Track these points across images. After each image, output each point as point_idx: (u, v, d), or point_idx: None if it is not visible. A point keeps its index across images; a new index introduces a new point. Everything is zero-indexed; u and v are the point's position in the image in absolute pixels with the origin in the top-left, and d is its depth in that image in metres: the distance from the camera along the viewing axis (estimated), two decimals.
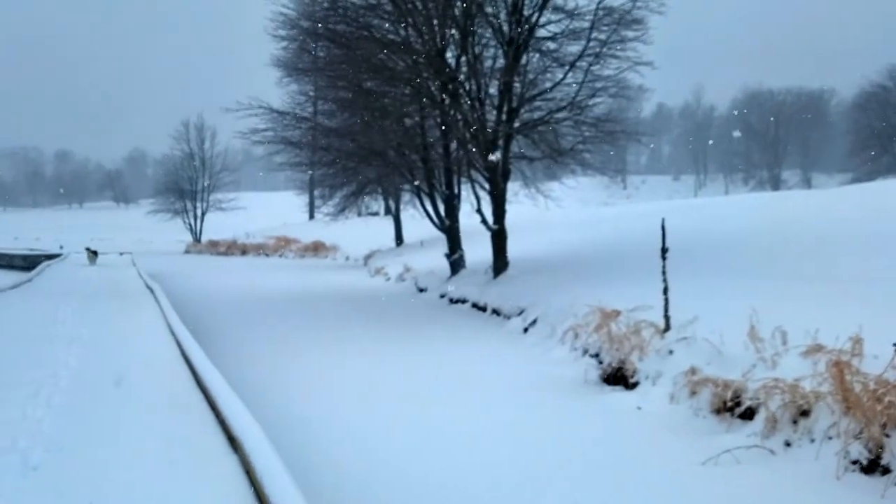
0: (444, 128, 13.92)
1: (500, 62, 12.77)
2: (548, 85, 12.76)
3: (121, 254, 36.22)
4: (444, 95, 13.01)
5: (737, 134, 76.44)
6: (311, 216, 46.10)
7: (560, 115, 12.68)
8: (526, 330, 9.89)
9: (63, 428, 5.43)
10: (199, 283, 20.59)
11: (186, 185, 49.07)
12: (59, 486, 4.25)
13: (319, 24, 13.44)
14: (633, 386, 6.43)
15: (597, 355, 7.39)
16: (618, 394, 6.42)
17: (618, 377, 6.68)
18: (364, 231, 32.93)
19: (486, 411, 6.19)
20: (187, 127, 49.37)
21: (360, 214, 30.15)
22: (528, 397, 6.62)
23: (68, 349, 8.87)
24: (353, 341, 10.16)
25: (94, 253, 30.00)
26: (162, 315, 11.74)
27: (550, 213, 15.04)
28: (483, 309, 12.08)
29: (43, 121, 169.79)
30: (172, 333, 9.72)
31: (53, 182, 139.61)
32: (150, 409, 6.07)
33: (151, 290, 15.60)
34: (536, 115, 13.02)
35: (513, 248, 13.36)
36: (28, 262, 30.18)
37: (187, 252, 42.93)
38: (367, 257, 26.84)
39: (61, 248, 41.12)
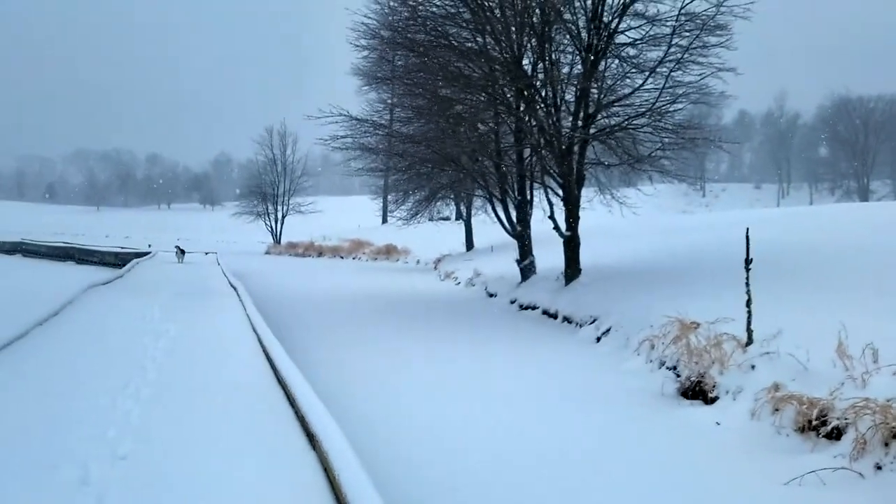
0: (518, 134, 13.93)
1: (578, 68, 12.67)
2: (626, 91, 12.54)
3: (206, 253, 38.13)
4: (519, 102, 13.02)
5: (823, 145, 72.38)
6: (385, 220, 46.95)
7: (639, 121, 12.44)
8: (599, 339, 9.73)
9: (150, 419, 5.66)
10: (278, 283, 21.35)
11: (269, 189, 51.06)
12: (147, 475, 4.43)
13: (399, 34, 13.74)
14: (713, 401, 6.24)
15: (674, 368, 7.20)
16: (696, 408, 6.25)
17: (696, 391, 6.50)
18: (435, 235, 33.31)
19: (557, 421, 6.12)
20: (271, 133, 51.45)
21: (431, 219, 30.48)
22: (600, 408, 6.51)
23: (156, 344, 9.25)
24: (422, 343, 10.27)
25: (182, 251, 32.61)
26: (245, 313, 12.24)
27: (625, 221, 14.77)
28: (554, 316, 11.99)
29: (136, 126, 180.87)
30: (254, 331, 10.12)
31: (144, 184, 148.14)
32: (232, 403, 6.28)
33: (235, 289, 16.26)
34: (614, 120, 12.82)
35: (585, 256, 13.20)
36: (119, 260, 31.95)
37: (267, 253, 44.59)
38: (438, 261, 27.11)
39: (149, 246, 43.58)
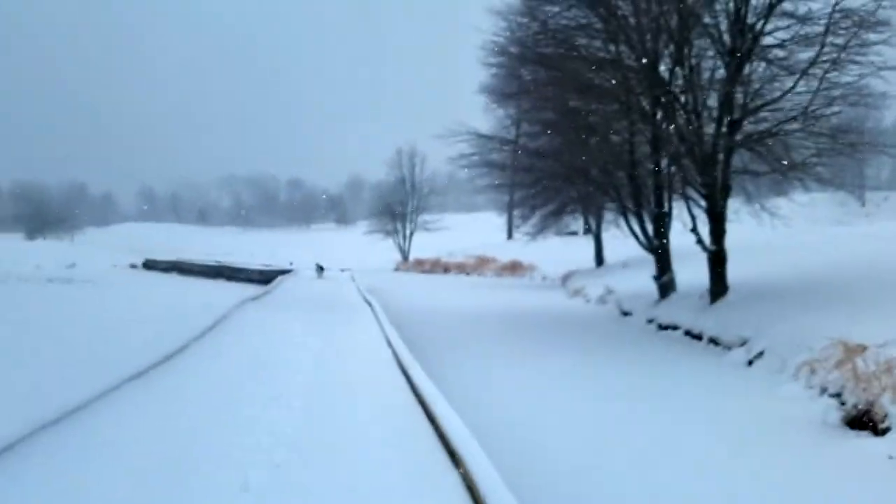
0: (655, 143, 13.32)
1: (720, 73, 11.91)
2: (776, 94, 11.60)
3: (342, 270, 40.06)
4: (656, 110, 12.46)
5: None
6: (510, 236, 46.88)
7: (790, 125, 11.46)
8: (750, 363, 9.02)
9: (299, 429, 5.89)
10: (407, 298, 21.85)
11: (398, 208, 52.92)
12: (300, 483, 4.58)
13: (528, 49, 13.67)
14: (884, 432, 5.60)
15: (838, 395, 6.55)
16: (864, 440, 5.63)
17: (864, 421, 5.87)
18: (562, 251, 32.64)
19: (704, 451, 5.69)
20: (400, 154, 53.42)
21: (558, 234, 29.93)
22: (756, 438, 5.98)
23: (301, 356, 9.71)
24: (551, 363, 10.02)
25: (321, 268, 34.90)
26: (380, 328, 12.58)
27: (777, 233, 13.62)
28: (698, 337, 11.23)
29: (278, 152, 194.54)
30: (390, 346, 10.35)
31: (286, 206, 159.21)
32: (373, 417, 6.42)
33: (370, 305, 16.83)
34: (762, 126, 11.90)
35: (733, 271, 12.28)
36: (264, 277, 34.24)
37: (396, 269, 46.00)
38: (565, 277, 26.50)
39: (291, 264, 46.39)
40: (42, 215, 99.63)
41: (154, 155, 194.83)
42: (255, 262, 51.59)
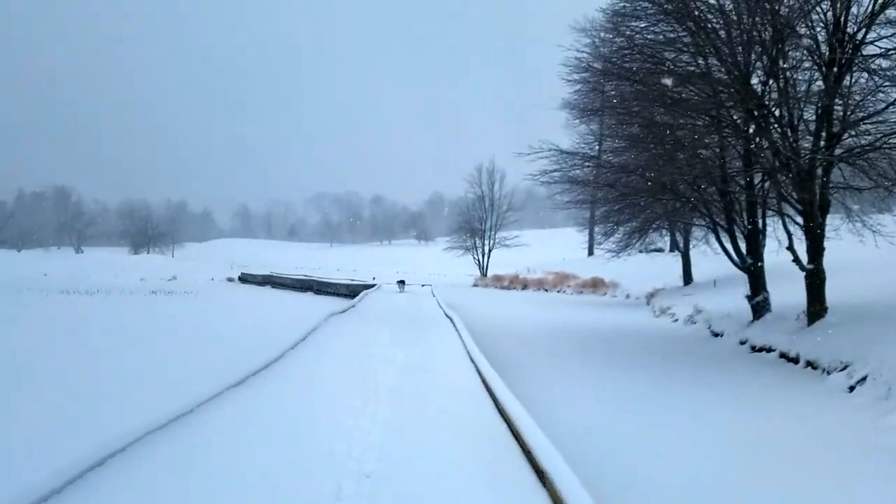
0: (747, 158, 12.90)
1: (818, 84, 11.42)
2: (879, 106, 11.00)
3: (422, 285, 40.70)
4: (748, 124, 12.08)
5: None
6: (591, 252, 46.16)
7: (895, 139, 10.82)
8: (851, 388, 8.55)
9: (388, 440, 6.02)
10: (486, 313, 21.96)
11: (476, 225, 53.29)
12: (391, 495, 4.65)
13: (612, 64, 13.60)
14: None
15: None
16: None
17: None
18: (646, 268, 31.85)
19: (801, 484, 5.41)
20: (480, 171, 53.85)
21: (642, 251, 29.25)
22: (858, 472, 5.66)
23: (386, 369, 9.91)
24: (635, 384, 9.83)
25: (403, 283, 35.93)
26: (461, 342, 12.74)
27: (880, 251, 12.77)
28: (794, 360, 10.73)
29: (364, 171, 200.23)
30: (472, 360, 10.47)
31: (369, 222, 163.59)
32: (458, 430, 6.48)
33: (451, 320, 17.05)
34: (864, 139, 11.29)
35: (832, 291, 11.65)
36: (350, 291, 35.31)
37: (475, 285, 46.21)
38: (650, 296, 25.85)
39: (374, 279, 47.56)
40: (146, 231, 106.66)
41: (250, 176, 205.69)
42: (341, 276, 53.27)
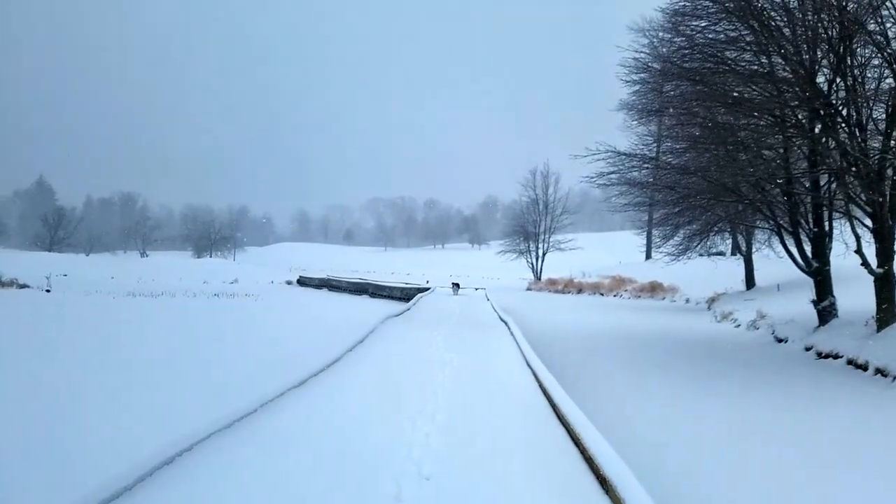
0: (813, 158, 12.47)
1: (888, 82, 10.97)
2: None
3: (476, 289, 40.79)
4: (814, 123, 11.69)
5: None
6: (648, 256, 45.26)
7: None
8: None
9: (446, 443, 6.03)
10: (541, 317, 21.85)
11: (530, 228, 53.02)
12: (450, 498, 4.68)
13: (672, 64, 13.37)
14: None
15: None
16: None
17: None
18: (707, 272, 31.00)
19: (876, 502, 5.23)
20: (534, 174, 53.56)
21: (703, 254, 28.58)
22: None
23: (443, 371, 9.99)
24: (700, 391, 9.63)
25: (457, 286, 36.14)
26: (517, 346, 12.73)
27: None
28: (863, 367, 10.30)
29: (417, 175, 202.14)
30: (528, 365, 10.46)
31: (422, 226, 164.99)
32: (516, 435, 6.45)
33: (506, 324, 17.05)
34: None
35: None
36: (404, 294, 35.75)
37: (528, 289, 45.97)
38: (711, 300, 25.20)
39: (427, 282, 47.97)
40: (208, 235, 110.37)
41: (308, 182, 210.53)
42: (395, 279, 53.89)
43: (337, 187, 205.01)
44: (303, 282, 53.80)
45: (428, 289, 36.25)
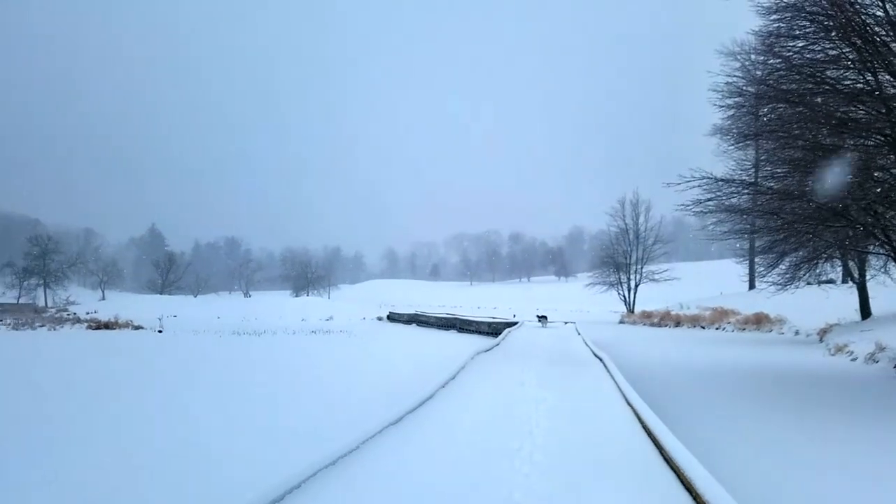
0: None
1: None
2: None
3: (565, 322, 39.99)
4: None
5: None
6: (752, 286, 42.91)
7: None
8: None
9: (548, 486, 5.92)
10: (638, 353, 21.08)
11: (621, 259, 51.63)
12: None
13: (769, 87, 12.86)
14: None
15: None
16: None
17: None
18: (816, 301, 28.98)
19: None
20: (623, 204, 52.31)
21: (811, 283, 26.79)
22: None
23: (537, 410, 9.79)
24: (820, 435, 8.93)
25: (544, 318, 35.85)
26: (614, 384, 12.31)
27: None
28: None
29: (500, 209, 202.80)
30: (628, 404, 10.07)
31: (507, 260, 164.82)
32: (622, 479, 6.21)
33: (600, 359, 16.55)
34: None
35: None
36: (492, 329, 35.54)
37: (621, 322, 44.59)
38: (823, 332, 23.50)
39: (514, 316, 47.52)
40: (305, 275, 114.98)
41: (396, 220, 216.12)
42: (482, 314, 53.82)
43: (422, 224, 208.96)
44: (393, 317, 54.73)
45: (516, 323, 35.90)
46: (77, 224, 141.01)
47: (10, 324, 35.58)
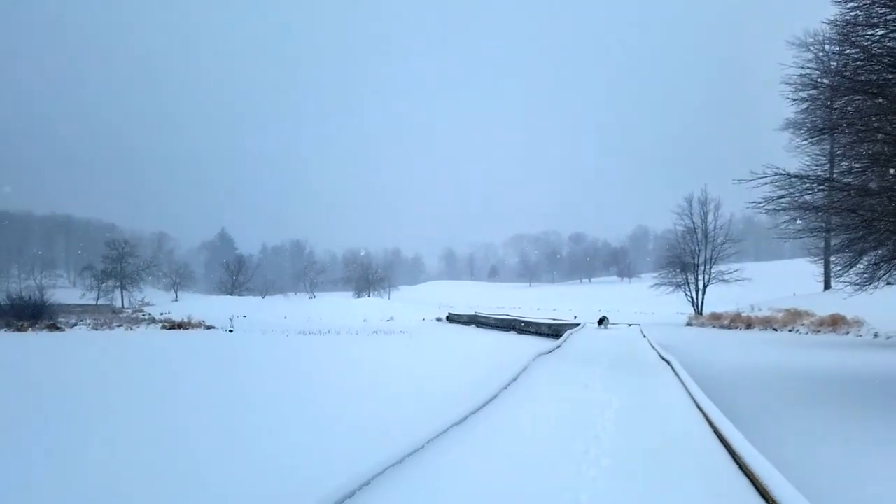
0: None
1: None
2: None
3: (629, 325, 39.22)
4: None
5: None
6: (827, 286, 40.94)
7: None
8: None
9: (616, 490, 5.82)
10: (706, 356, 20.43)
11: (688, 259, 50.12)
12: None
13: (845, 77, 12.24)
14: None
15: None
16: None
17: None
18: None
19: None
20: (690, 202, 50.73)
21: (891, 283, 25.31)
22: None
23: (602, 414, 9.62)
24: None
25: (605, 319, 35.30)
26: (684, 389, 11.96)
27: None
28: None
29: (560, 209, 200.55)
30: (699, 409, 9.77)
31: (567, 261, 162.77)
32: (694, 486, 6.03)
33: (668, 363, 16.13)
34: None
35: None
36: (552, 330, 35.12)
37: (689, 325, 43.30)
38: None
39: (575, 317, 46.89)
40: (366, 276, 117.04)
41: (454, 221, 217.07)
42: (541, 315, 53.34)
43: (481, 226, 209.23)
44: (452, 319, 54.94)
45: (578, 324, 35.40)
46: (151, 228, 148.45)
47: (90, 324, 37.62)
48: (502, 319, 46.21)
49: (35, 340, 26.98)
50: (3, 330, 31.54)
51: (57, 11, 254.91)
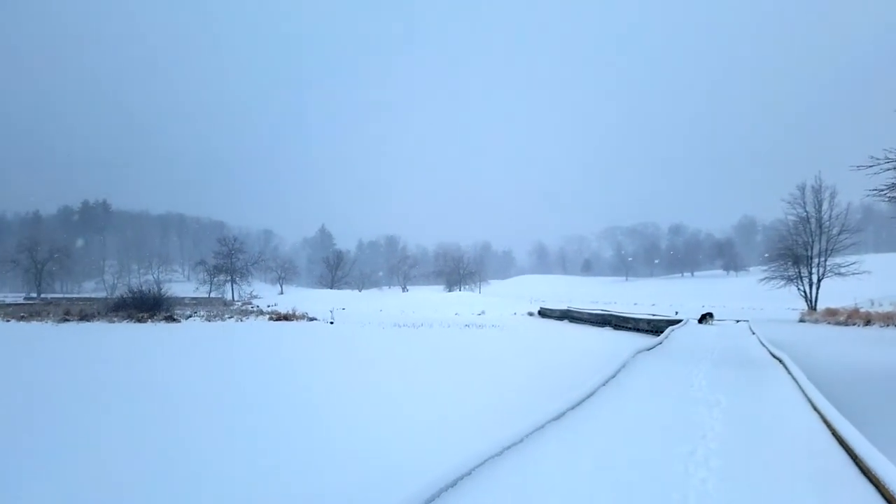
0: None
1: None
2: None
3: (736, 321, 37.23)
4: None
5: None
6: None
7: None
8: None
9: (728, 493, 5.61)
10: (823, 354, 19.03)
11: (801, 251, 46.87)
12: None
13: None
14: None
15: None
16: None
17: None
18: None
19: None
20: (803, 190, 47.31)
21: None
22: None
23: (710, 413, 9.23)
24: None
25: (710, 316, 34.36)
26: (798, 388, 11.22)
27: None
28: None
29: (659, 200, 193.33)
30: (815, 409, 9.13)
31: (667, 253, 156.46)
32: (813, 489, 5.73)
33: (780, 361, 15.18)
34: None
35: None
36: (651, 326, 33.84)
37: (801, 321, 40.51)
38: None
39: (676, 313, 45.00)
40: (458, 270, 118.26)
41: (545, 214, 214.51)
42: (640, 311, 51.62)
43: (573, 218, 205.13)
44: (544, 313, 54.25)
45: (680, 321, 33.91)
46: (257, 226, 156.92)
47: (203, 315, 40.14)
48: (597, 314, 45.11)
49: (156, 331, 29.17)
50: (126, 321, 34.22)
51: (163, 21, 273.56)
